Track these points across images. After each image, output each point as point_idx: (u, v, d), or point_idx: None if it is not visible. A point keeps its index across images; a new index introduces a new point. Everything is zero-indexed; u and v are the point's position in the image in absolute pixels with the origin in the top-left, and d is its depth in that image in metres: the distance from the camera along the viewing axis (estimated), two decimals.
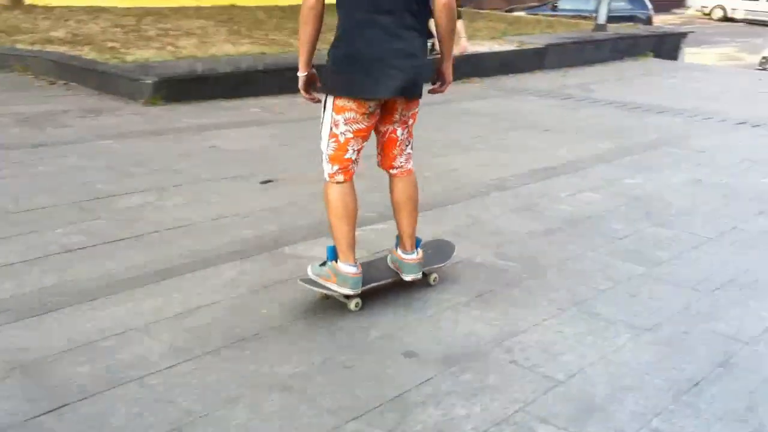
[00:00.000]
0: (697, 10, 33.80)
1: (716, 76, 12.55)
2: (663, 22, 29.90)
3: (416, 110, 3.35)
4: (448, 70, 3.38)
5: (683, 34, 14.91)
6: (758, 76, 12.92)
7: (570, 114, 8.56)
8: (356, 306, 3.32)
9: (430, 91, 3.40)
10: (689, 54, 20.32)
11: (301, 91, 3.29)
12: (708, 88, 10.96)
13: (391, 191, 3.43)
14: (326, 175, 3.26)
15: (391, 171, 3.41)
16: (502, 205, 5.00)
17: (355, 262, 3.28)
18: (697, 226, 4.77)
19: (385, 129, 3.33)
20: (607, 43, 12.69)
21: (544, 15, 18.63)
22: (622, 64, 12.76)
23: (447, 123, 7.48)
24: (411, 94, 3.21)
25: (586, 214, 4.90)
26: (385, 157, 3.40)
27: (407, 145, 3.39)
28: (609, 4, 13.13)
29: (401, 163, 3.39)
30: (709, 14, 32.24)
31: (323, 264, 3.35)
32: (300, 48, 3.17)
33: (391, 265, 3.54)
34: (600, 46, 12.56)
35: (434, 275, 3.63)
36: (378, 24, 3.03)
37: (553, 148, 6.69)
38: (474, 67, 10.38)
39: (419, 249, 3.48)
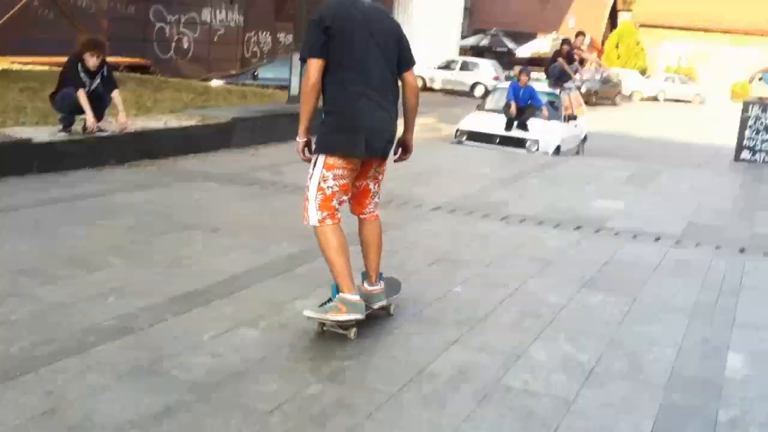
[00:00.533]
0: None
1: (416, 152, 12.15)
2: None
3: (385, 167, 4.11)
4: (410, 141, 4.26)
5: None
6: (455, 150, 12.78)
7: (252, 206, 7.31)
8: (354, 335, 3.87)
9: (395, 161, 4.27)
10: None
11: (300, 153, 3.97)
12: (407, 167, 10.41)
13: (361, 232, 4.14)
14: (315, 222, 3.85)
15: (361, 216, 4.13)
16: (108, 369, 3.46)
17: (356, 291, 3.86)
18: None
19: (359, 183, 4.05)
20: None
21: (243, 84, 17.59)
22: None
23: (76, 229, 5.76)
24: (387, 154, 4.00)
25: (231, 370, 3.55)
26: (357, 205, 4.12)
27: (376, 196, 4.19)
28: (300, 72, 12.27)
29: (371, 209, 4.15)
30: None
31: (328, 301, 3.88)
32: (302, 118, 3.83)
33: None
34: (295, 120, 11.56)
35: (392, 306, 4.30)
36: (368, 97, 3.78)
37: (216, 257, 5.33)
38: (145, 146, 8.84)
39: (381, 281, 4.18)
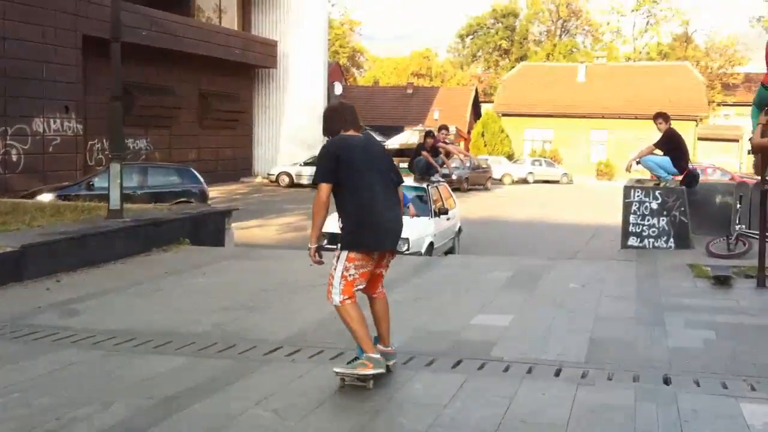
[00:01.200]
0: (264, 177, 33.61)
1: (270, 263, 10.30)
2: (230, 192, 28.78)
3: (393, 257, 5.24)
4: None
5: (226, 212, 12.72)
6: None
7: (7, 374, 5.22)
8: (372, 385, 4.83)
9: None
10: (252, 229, 18.80)
11: (312, 257, 5.07)
12: (246, 285, 8.55)
13: (373, 307, 5.16)
14: (338, 302, 4.88)
15: (373, 295, 5.14)
16: None
17: (377, 351, 4.94)
18: None
19: (377, 271, 5.09)
20: (119, 234, 9.77)
21: (77, 196, 15.33)
22: (146, 259, 9.94)
23: None
24: (396, 246, 5.18)
25: None
26: (371, 287, 5.10)
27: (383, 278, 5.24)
28: (120, 183, 10.32)
29: (381, 290, 5.19)
30: (276, 181, 32.10)
31: (354, 360, 4.94)
32: (314, 228, 5.03)
33: None
34: (111, 239, 9.58)
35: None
36: (380, 201, 4.88)
37: None
38: None
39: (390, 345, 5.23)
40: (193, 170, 19.07)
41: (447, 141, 14.52)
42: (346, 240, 4.87)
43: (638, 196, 10.92)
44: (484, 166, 38.35)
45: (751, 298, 7.75)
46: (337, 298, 4.85)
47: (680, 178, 11.31)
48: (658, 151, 11.34)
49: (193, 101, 30.68)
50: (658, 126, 11.32)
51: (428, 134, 13.64)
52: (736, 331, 6.48)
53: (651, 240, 10.90)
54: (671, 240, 10.82)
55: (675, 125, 42.91)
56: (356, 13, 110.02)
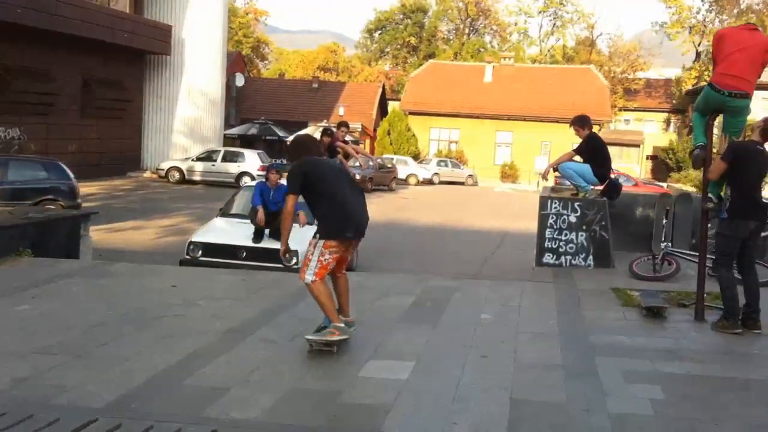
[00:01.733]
0: (153, 173, 31.27)
1: (124, 282, 8.52)
2: (112, 188, 26.40)
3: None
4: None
5: (82, 217, 10.80)
6: (180, 275, 9.28)
7: None
8: (336, 350, 5.80)
9: None
10: (128, 232, 16.76)
11: (283, 256, 6.37)
12: (81, 316, 6.80)
13: (336, 284, 6.20)
14: (310, 281, 5.87)
15: (338, 275, 6.18)
16: None
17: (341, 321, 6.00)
18: None
19: (345, 255, 6.12)
20: None
21: None
22: None
23: None
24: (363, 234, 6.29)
25: None
26: (338, 268, 6.14)
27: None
28: None
29: (343, 270, 6.22)
30: (165, 177, 29.84)
31: (323, 329, 5.97)
32: (284, 233, 6.15)
33: None
34: None
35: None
36: (351, 201, 6.00)
37: None
38: None
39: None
40: (61, 164, 16.89)
41: (347, 140, 13.02)
42: (325, 231, 5.90)
43: (555, 207, 9.73)
44: (389, 166, 37.11)
45: (692, 337, 6.59)
46: (309, 278, 5.88)
47: (601, 188, 10.17)
48: (578, 158, 10.18)
49: (74, 88, 28.05)
50: (577, 132, 10.16)
51: (325, 132, 12.08)
52: (685, 386, 5.26)
53: (568, 257, 9.72)
54: (590, 258, 9.68)
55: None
56: (262, 2, 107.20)
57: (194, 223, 17.69)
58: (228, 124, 45.07)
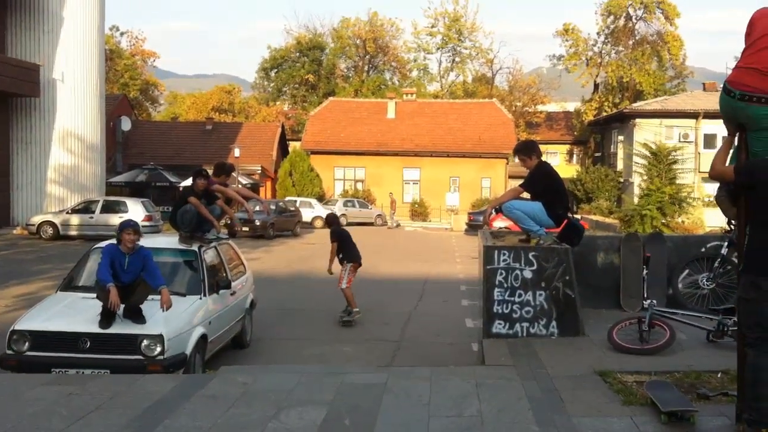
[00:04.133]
0: (23, 228, 27.53)
1: None
2: None
3: None
4: None
5: None
6: None
7: None
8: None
9: None
10: None
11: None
12: None
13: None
14: (345, 287, 12.10)
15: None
16: None
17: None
18: None
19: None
20: None
21: None
22: None
23: None
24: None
25: None
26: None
27: None
28: None
29: None
30: (37, 233, 26.22)
31: (350, 313, 12.09)
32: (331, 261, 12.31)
33: None
34: None
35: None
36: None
37: None
38: None
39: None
40: None
41: (227, 182, 10.43)
42: (350, 257, 12.22)
43: (505, 260, 7.41)
44: (293, 209, 34.45)
45: None
46: (344, 285, 11.87)
47: (557, 231, 7.93)
48: (526, 195, 7.94)
49: None
50: (523, 163, 7.95)
51: (198, 174, 9.45)
52: None
53: (525, 325, 7.41)
54: (553, 324, 7.39)
55: (487, 163, 41.41)
56: (151, 44, 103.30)
57: (54, 282, 14.59)
58: (114, 172, 41.54)
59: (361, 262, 12.57)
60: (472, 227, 35.31)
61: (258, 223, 28.26)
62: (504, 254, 7.38)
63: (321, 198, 43.57)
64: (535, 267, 7.36)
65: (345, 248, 12.42)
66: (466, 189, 46.21)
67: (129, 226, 7.86)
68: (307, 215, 37.36)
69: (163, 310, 7.50)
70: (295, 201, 37.87)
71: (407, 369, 7.10)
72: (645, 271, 7.83)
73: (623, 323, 7.12)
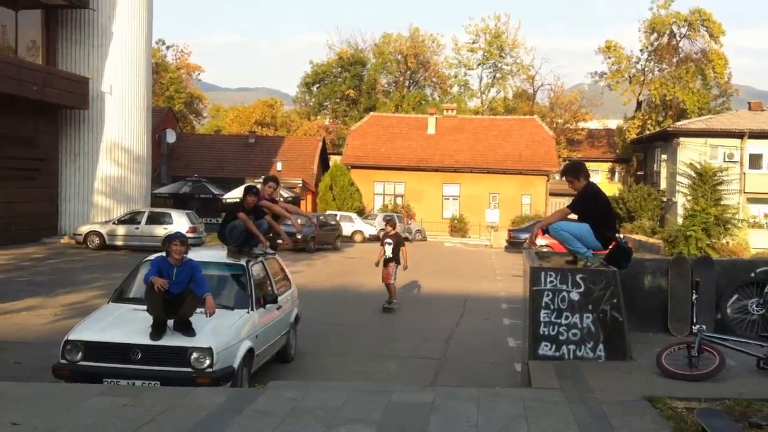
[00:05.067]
0: (71, 238, 28.13)
1: None
2: (20, 258, 23.16)
3: None
4: None
5: None
6: (25, 408, 6.59)
7: None
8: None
9: None
10: (20, 314, 13.64)
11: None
12: None
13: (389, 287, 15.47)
14: (393, 281, 15.36)
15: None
16: None
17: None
18: None
19: None
20: None
21: None
22: None
23: None
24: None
25: None
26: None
27: None
28: None
29: None
30: (84, 242, 26.76)
31: (391, 302, 15.34)
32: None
33: None
34: None
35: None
36: None
37: None
38: None
39: None
40: None
41: (283, 196, 10.61)
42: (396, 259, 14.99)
43: (551, 282, 7.40)
44: (333, 223, 34.64)
45: None
46: (392, 281, 14.90)
47: (604, 253, 7.90)
48: (573, 216, 7.92)
49: None
50: (571, 185, 7.94)
51: (249, 190, 9.64)
52: None
53: (571, 347, 7.39)
54: (600, 347, 7.36)
55: (527, 180, 41.41)
56: (196, 57, 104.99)
57: (106, 298, 14.80)
58: (158, 183, 42.22)
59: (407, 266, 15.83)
60: (513, 244, 35.13)
61: (299, 237, 28.49)
62: (551, 276, 7.37)
63: (360, 212, 43.76)
64: (582, 289, 7.34)
65: (396, 251, 15.44)
66: (505, 206, 46.02)
67: (176, 237, 8.04)
68: (347, 229, 37.54)
69: (206, 316, 7.64)
70: (336, 215, 38.07)
71: (453, 389, 7.12)
72: (694, 296, 7.75)
73: (672, 348, 7.06)
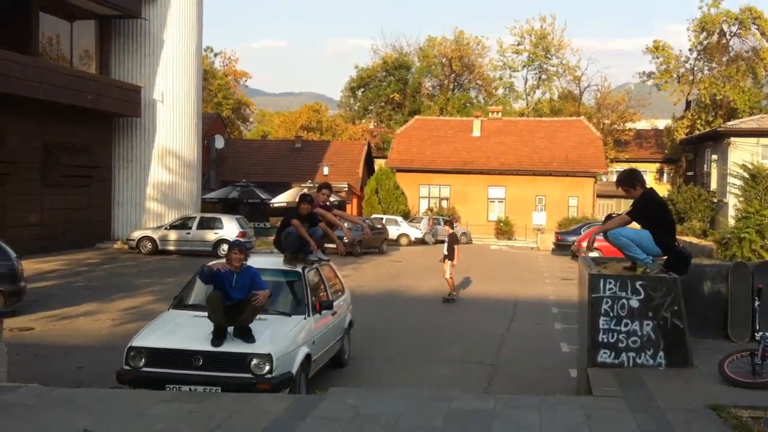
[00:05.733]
0: (124, 243, 28.73)
1: (21, 423, 6.04)
2: (76, 263, 23.79)
3: None
4: None
5: None
6: (95, 413, 6.80)
7: None
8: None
9: None
10: (78, 320, 13.98)
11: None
12: None
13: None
14: (448, 276, 17.45)
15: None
16: None
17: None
18: None
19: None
20: None
21: None
22: None
23: None
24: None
25: None
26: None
27: None
28: None
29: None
30: (137, 247, 27.31)
31: (450, 294, 17.56)
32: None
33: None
34: None
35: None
36: None
37: None
38: None
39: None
40: None
41: (330, 203, 10.71)
42: (452, 257, 17.17)
43: (611, 289, 7.36)
44: (379, 226, 34.77)
45: None
46: (448, 276, 17.10)
47: (663, 259, 7.82)
48: (635, 224, 7.85)
49: (35, 154, 25.72)
50: (628, 193, 7.87)
51: (303, 198, 9.77)
52: None
53: (631, 354, 7.33)
54: (660, 355, 7.29)
55: (574, 182, 41.24)
56: (241, 63, 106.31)
57: (161, 303, 15.14)
58: (207, 188, 42.83)
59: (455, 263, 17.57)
60: (560, 247, 34.82)
61: (346, 240, 28.66)
62: (610, 282, 7.33)
63: (406, 216, 43.81)
64: (642, 296, 7.28)
65: (450, 250, 17.55)
66: (552, 208, 45.62)
67: (237, 245, 8.20)
68: (393, 233, 37.64)
69: (254, 302, 7.89)
70: (382, 218, 38.19)
71: (514, 396, 7.13)
72: (757, 303, 7.63)
73: (735, 355, 6.97)
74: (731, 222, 32.09)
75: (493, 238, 45.32)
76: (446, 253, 17.59)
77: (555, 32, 65.47)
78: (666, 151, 61.53)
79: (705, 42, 56.88)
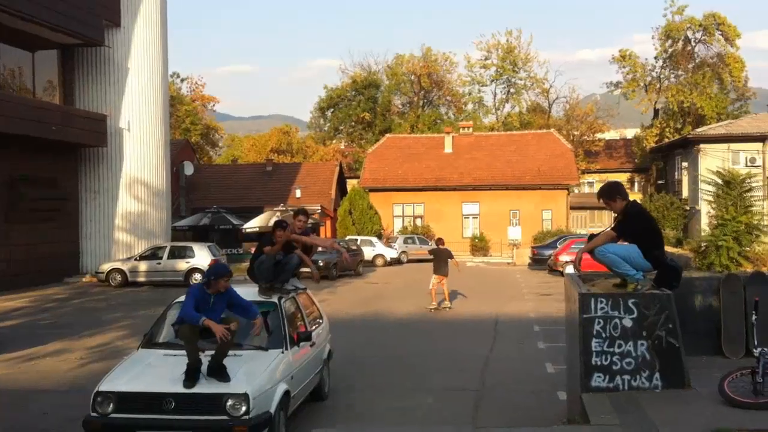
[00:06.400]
0: (93, 276, 27.97)
1: None
2: (42, 299, 22.96)
3: None
4: None
5: None
6: None
7: None
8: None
9: None
10: (43, 361, 13.12)
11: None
12: None
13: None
14: (430, 287, 19.75)
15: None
16: None
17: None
18: None
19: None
20: None
21: None
22: None
23: None
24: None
25: None
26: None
27: None
28: None
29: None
30: (106, 280, 26.57)
31: (442, 303, 19.52)
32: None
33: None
34: None
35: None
36: None
37: None
38: None
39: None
40: None
41: (306, 229, 10.27)
42: (438, 272, 19.26)
43: (602, 308, 7.02)
44: (354, 248, 34.32)
45: None
46: (430, 287, 19.51)
47: (653, 274, 7.50)
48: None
49: None
50: (610, 207, 7.58)
51: (278, 225, 9.33)
52: None
53: (626, 377, 6.99)
54: (656, 376, 6.95)
55: (548, 195, 42.03)
56: (209, 88, 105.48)
57: (132, 339, 14.60)
58: (178, 216, 42.16)
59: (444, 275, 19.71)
60: (537, 261, 34.64)
61: (321, 264, 28.17)
62: (601, 302, 7.00)
63: (380, 236, 43.41)
64: (635, 315, 6.96)
65: (436, 264, 19.83)
66: (526, 222, 45.52)
67: (226, 273, 7.79)
68: (368, 253, 37.22)
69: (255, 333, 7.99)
70: (356, 240, 37.77)
71: (508, 429, 6.74)
72: (754, 317, 7.34)
73: (735, 374, 6.66)
74: (705, 229, 32.16)
75: (469, 255, 45.00)
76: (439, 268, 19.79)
77: (521, 46, 65.90)
78: (636, 161, 61.94)
79: (670, 50, 57.50)
